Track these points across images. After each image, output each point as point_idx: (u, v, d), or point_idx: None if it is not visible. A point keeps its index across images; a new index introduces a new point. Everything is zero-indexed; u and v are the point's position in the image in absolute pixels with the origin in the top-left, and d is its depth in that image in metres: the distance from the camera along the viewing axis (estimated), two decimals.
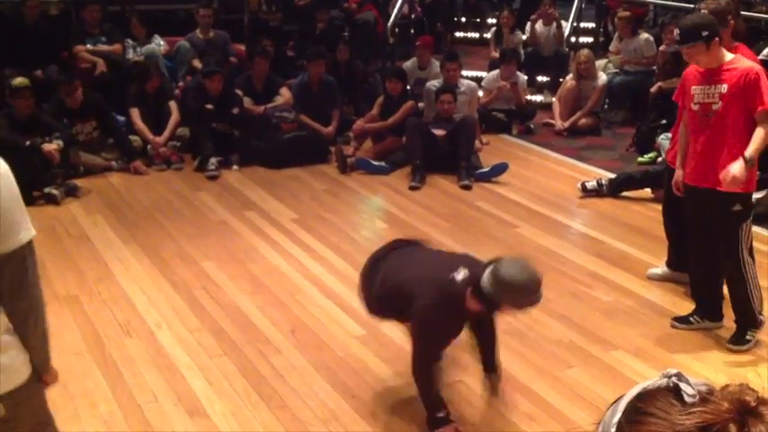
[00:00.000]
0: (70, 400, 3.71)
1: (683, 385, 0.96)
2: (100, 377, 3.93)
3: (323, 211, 6.37)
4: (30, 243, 2.17)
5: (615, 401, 1.01)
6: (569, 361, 4.13)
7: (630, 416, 0.96)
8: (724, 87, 3.99)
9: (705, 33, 3.92)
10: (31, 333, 2.26)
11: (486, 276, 3.21)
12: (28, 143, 6.35)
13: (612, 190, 6.59)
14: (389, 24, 9.71)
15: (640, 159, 7.61)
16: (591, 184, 6.66)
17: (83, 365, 4.04)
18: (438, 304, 3.36)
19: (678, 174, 4.51)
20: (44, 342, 2.32)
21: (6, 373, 2.19)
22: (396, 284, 3.55)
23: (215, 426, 3.57)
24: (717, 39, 3.97)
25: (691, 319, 4.45)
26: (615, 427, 0.96)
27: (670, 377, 0.98)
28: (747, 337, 4.25)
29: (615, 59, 9.29)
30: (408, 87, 8.24)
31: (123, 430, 3.52)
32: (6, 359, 2.19)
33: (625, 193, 6.59)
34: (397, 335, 4.34)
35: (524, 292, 3.22)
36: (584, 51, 8.80)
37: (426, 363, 3.50)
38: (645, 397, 0.97)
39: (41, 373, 2.34)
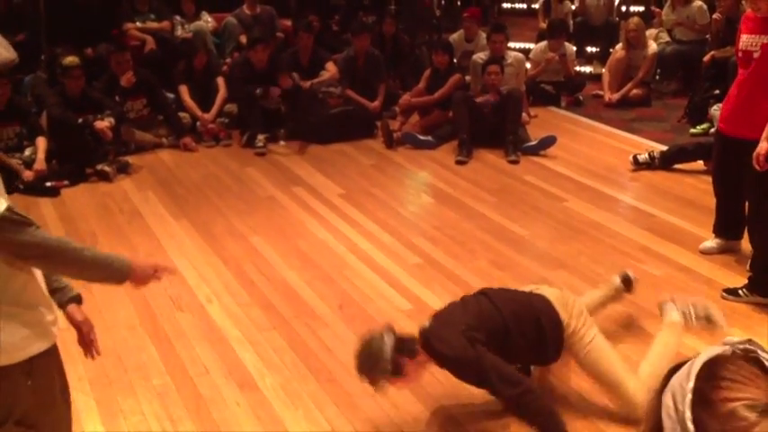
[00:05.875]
0: (125, 373, 3.80)
1: (761, 353, 0.97)
2: (153, 350, 4.01)
3: (369, 186, 6.37)
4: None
5: (672, 371, 1.01)
6: (620, 336, 4.08)
7: (712, 381, 0.95)
8: (766, 38, 3.90)
9: None
10: (71, 270, 2.24)
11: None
12: (80, 121, 6.45)
13: (664, 162, 6.47)
14: None
15: (693, 131, 7.45)
16: (642, 157, 6.54)
17: (136, 339, 4.13)
18: None
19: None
20: (95, 265, 2.24)
21: (5, 351, 2.10)
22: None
23: (265, 398, 3.62)
24: None
25: (739, 291, 4.37)
26: (692, 392, 0.95)
27: (737, 345, 0.98)
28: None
29: (668, 20, 9.02)
30: (455, 60, 8.17)
31: (176, 402, 3.60)
32: (5, 336, 2.10)
33: (677, 166, 6.46)
34: None
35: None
36: (634, 19, 8.63)
37: (508, 381, 3.18)
38: (721, 363, 0.97)
39: (124, 280, 2.30)
